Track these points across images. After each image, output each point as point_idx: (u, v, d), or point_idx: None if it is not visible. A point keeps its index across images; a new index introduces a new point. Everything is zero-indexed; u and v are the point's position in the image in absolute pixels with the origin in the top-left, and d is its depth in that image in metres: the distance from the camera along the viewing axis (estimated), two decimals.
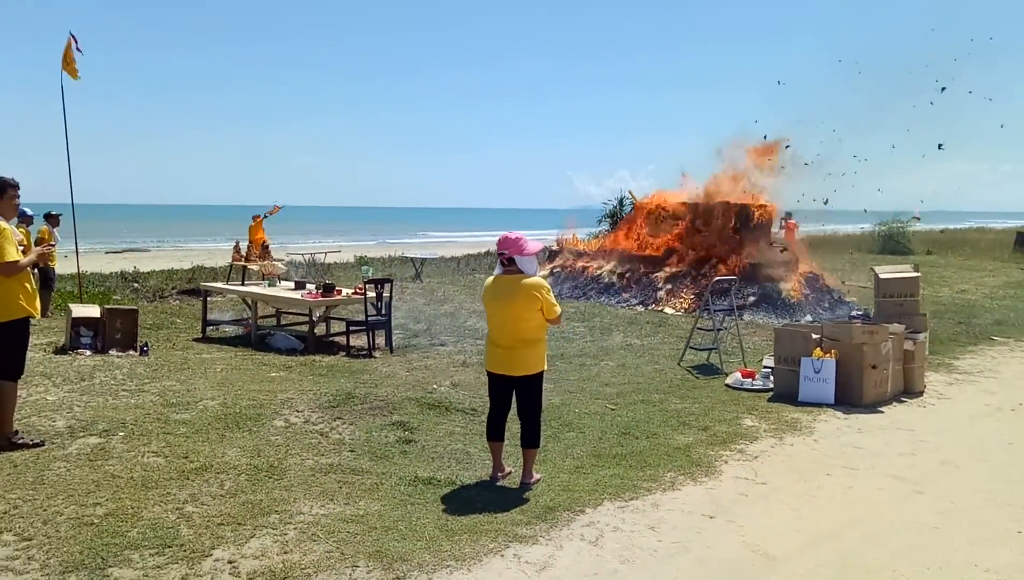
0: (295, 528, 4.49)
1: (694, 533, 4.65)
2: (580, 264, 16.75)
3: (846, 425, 7.14)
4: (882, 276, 8.99)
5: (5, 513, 4.54)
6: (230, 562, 4.06)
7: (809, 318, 12.96)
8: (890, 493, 5.45)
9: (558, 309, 5.38)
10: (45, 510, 4.60)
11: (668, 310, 14.08)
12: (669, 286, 14.91)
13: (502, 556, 4.26)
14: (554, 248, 17.71)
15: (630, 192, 18.76)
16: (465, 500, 5.05)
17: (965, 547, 4.53)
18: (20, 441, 5.68)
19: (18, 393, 6.03)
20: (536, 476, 5.44)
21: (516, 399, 5.42)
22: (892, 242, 29.45)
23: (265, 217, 14.14)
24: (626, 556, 4.32)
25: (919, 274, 9.12)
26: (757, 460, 6.08)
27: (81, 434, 6.04)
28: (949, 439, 6.75)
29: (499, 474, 5.46)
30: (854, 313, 10.02)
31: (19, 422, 5.99)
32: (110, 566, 3.96)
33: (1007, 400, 8.19)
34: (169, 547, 4.19)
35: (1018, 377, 9.31)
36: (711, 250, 14.91)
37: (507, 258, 5.28)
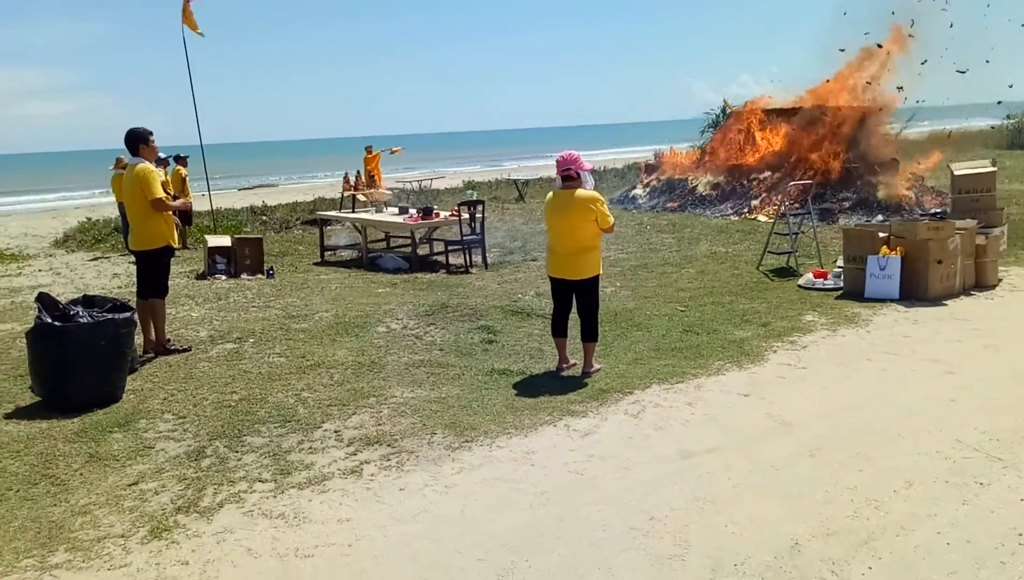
0: (388, 407, 5.49)
1: (725, 407, 5.33)
2: (677, 177, 17.02)
3: (904, 317, 7.49)
4: (957, 173, 9.03)
5: (165, 399, 5.78)
6: (336, 431, 5.10)
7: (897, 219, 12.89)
8: (922, 373, 5.89)
9: (611, 219, 6.06)
10: (194, 397, 5.80)
11: (761, 218, 14.27)
12: (764, 194, 15.05)
13: (555, 426, 5.10)
14: (651, 162, 17.98)
15: (724, 100, 18.56)
16: (532, 386, 5.91)
17: (973, 415, 4.99)
18: (172, 347, 6.96)
19: (167, 311, 7.33)
20: (596, 366, 6.21)
21: (576, 300, 6.17)
22: (1022, 136, 27.61)
23: (389, 153, 15.16)
24: (660, 425, 5.06)
25: (995, 169, 9.08)
26: (805, 350, 6.61)
27: (220, 341, 7.29)
28: (1001, 327, 7.00)
29: (564, 365, 6.27)
30: (934, 211, 10.06)
31: (170, 333, 7.28)
32: (245, 435, 5.08)
33: None
34: (289, 422, 5.27)
35: None
36: (808, 155, 14.85)
37: (573, 173, 5.97)
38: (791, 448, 4.63)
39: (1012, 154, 25.60)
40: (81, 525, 3.98)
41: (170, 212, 6.96)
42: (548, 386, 5.88)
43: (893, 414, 5.10)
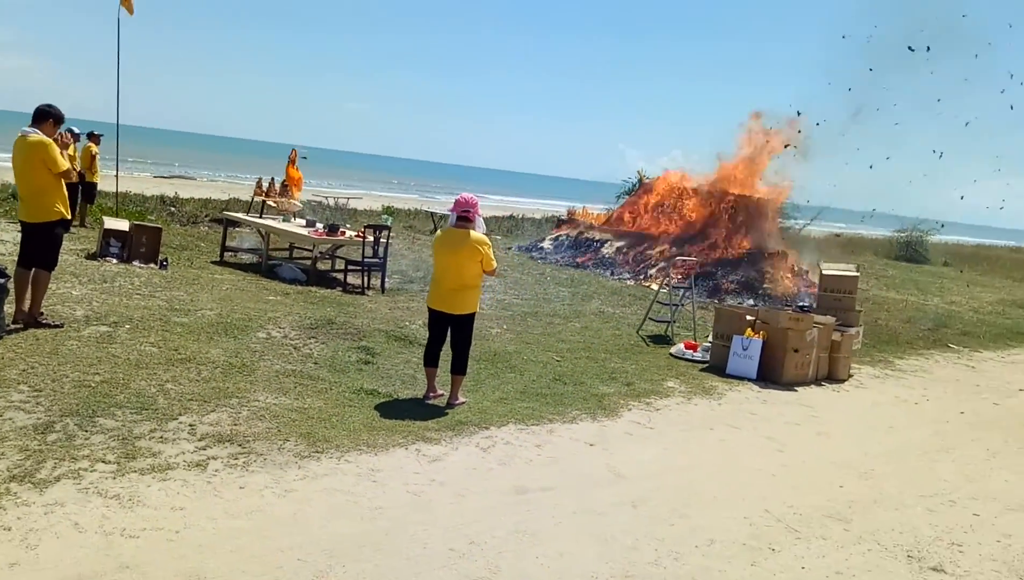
0: (248, 410, 5.62)
1: (569, 453, 5.69)
2: (585, 235, 17.67)
3: (755, 396, 8.08)
4: (825, 272, 9.83)
5: (23, 371, 5.74)
6: (190, 425, 5.20)
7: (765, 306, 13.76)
8: (755, 448, 6.41)
9: (495, 263, 6.43)
10: (54, 373, 5.79)
11: (655, 286, 14.95)
12: (662, 264, 15.79)
13: (406, 449, 5.34)
14: (562, 217, 18.61)
15: (638, 171, 19.46)
16: (395, 409, 6.14)
17: (787, 491, 5.49)
18: (44, 321, 6.89)
19: (49, 287, 7.25)
20: (462, 399, 6.49)
21: (451, 333, 6.47)
22: (910, 249, 29.72)
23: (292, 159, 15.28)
24: (505, 461, 5.37)
25: (858, 274, 9.92)
26: (658, 412, 7.07)
27: (94, 323, 7.25)
28: (837, 418, 7.65)
29: (431, 394, 6.53)
30: (801, 304, 10.85)
31: (46, 307, 7.19)
32: (98, 416, 5.12)
33: (918, 396, 9.02)
34: (145, 410, 5.34)
35: (945, 379, 10.10)
36: (705, 234, 15.71)
37: (471, 216, 6.31)
38: (617, 497, 5.00)
39: (897, 265, 27.46)
40: None
41: (64, 192, 6.95)
42: (411, 411, 6.12)
43: (718, 479, 5.55)
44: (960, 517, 5.41)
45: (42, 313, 6.97)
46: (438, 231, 6.55)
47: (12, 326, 6.70)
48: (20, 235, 7.18)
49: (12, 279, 6.81)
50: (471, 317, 6.45)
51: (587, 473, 5.35)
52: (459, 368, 6.46)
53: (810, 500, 5.37)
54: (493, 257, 6.41)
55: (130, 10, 13.27)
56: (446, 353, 6.53)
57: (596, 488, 5.11)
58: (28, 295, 6.93)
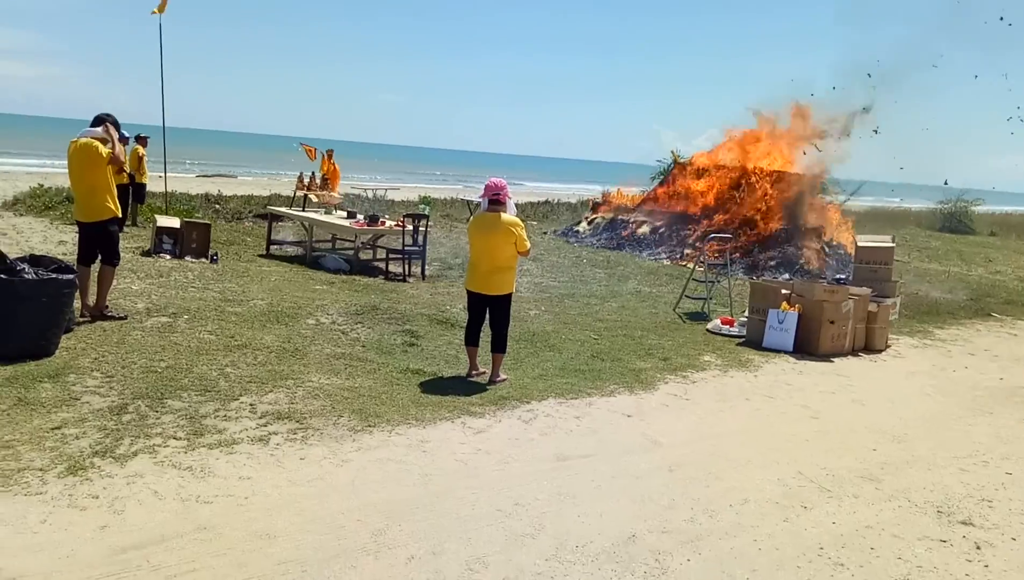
0: (303, 390, 5.97)
1: (607, 424, 5.93)
2: (620, 217, 17.81)
3: (791, 368, 8.22)
4: (860, 244, 9.89)
5: (95, 359, 6.16)
6: (251, 404, 5.56)
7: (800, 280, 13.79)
8: (790, 416, 6.58)
9: (528, 244, 6.68)
10: (123, 360, 6.20)
11: (691, 265, 15.07)
12: (698, 243, 15.88)
13: (452, 422, 5.64)
14: (598, 200, 18.76)
15: (672, 151, 19.50)
16: (440, 386, 6.44)
17: (820, 454, 5.67)
18: (109, 314, 7.33)
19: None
20: (503, 377, 6.77)
21: (489, 314, 6.74)
22: (953, 221, 29.28)
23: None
24: (545, 431, 5.64)
25: (894, 245, 9.95)
26: (694, 384, 7.27)
27: (155, 314, 7.68)
28: (872, 386, 7.77)
29: (474, 372, 6.81)
30: (837, 276, 10.91)
31: (110, 301, 7.62)
32: (166, 398, 5.50)
33: (956, 364, 9.07)
34: (209, 391, 5.71)
35: (984, 348, 10.09)
36: (741, 213, 15.75)
37: (501, 198, 6.57)
38: (654, 463, 5.24)
39: (941, 236, 27.08)
40: (4, 457, 4.38)
41: (113, 191, 7.36)
42: (455, 388, 6.42)
43: (752, 445, 5.75)
44: (992, 476, 5.54)
45: (107, 306, 7.40)
46: (471, 217, 6.81)
47: (80, 320, 7.14)
48: (77, 235, 7.62)
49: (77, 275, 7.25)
50: (508, 298, 6.72)
51: (624, 441, 5.59)
52: (499, 347, 6.73)
53: (843, 463, 5.54)
54: (526, 238, 6.66)
55: (162, 9, 13.75)
56: (486, 332, 6.81)
57: (633, 455, 5.35)
58: (92, 290, 7.37)
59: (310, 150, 15.75)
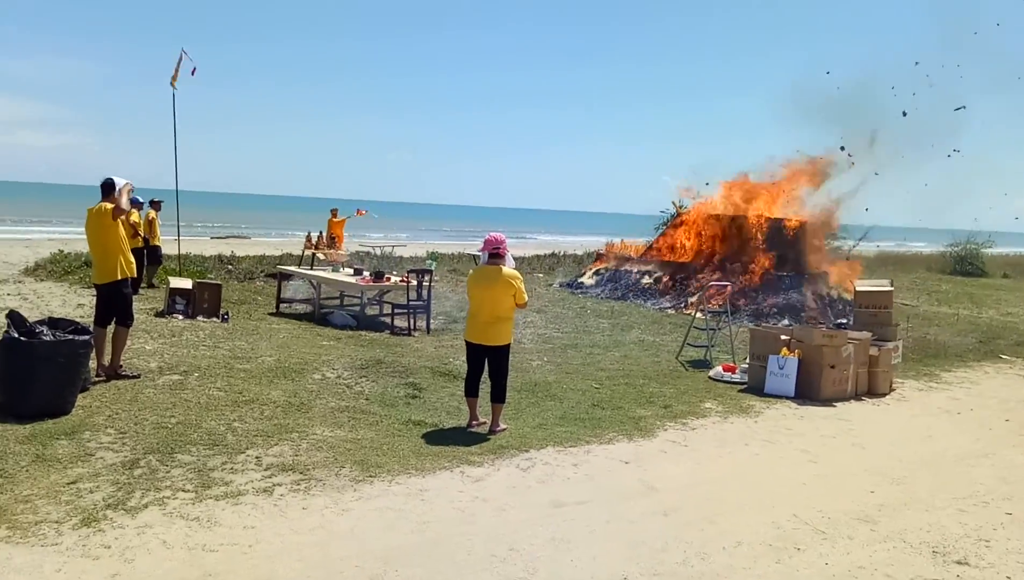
0: (307, 442, 6.14)
1: (605, 471, 6.05)
2: (624, 267, 18.04)
3: (792, 413, 8.31)
4: (859, 289, 10.03)
5: (109, 416, 6.37)
6: (256, 457, 5.73)
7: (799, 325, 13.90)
8: (789, 460, 6.67)
9: (526, 297, 6.90)
10: (136, 417, 6.41)
11: (701, 314, 15.21)
12: (701, 292, 16.06)
13: (451, 471, 5.78)
14: (600, 251, 19.02)
15: (673, 202, 19.81)
16: (441, 437, 6.59)
17: (817, 497, 5.74)
18: (123, 373, 7.56)
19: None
20: (502, 426, 6.91)
21: (488, 364, 6.92)
22: (965, 263, 29.32)
23: (356, 215, 16.14)
24: (543, 479, 5.76)
25: (892, 289, 10.08)
26: (694, 431, 7.38)
27: (167, 372, 7.91)
28: (873, 429, 7.84)
29: (474, 423, 6.96)
30: (839, 321, 11.03)
31: (124, 361, 7.86)
32: (176, 453, 5.69)
33: (962, 406, 9.11)
34: (217, 445, 5.90)
35: (992, 391, 10.11)
36: (742, 260, 15.95)
37: (501, 252, 6.83)
38: (649, 507, 5.34)
39: (952, 279, 27.11)
40: (22, 511, 4.57)
41: (128, 253, 7.66)
42: (455, 439, 6.57)
43: (748, 490, 5.85)
44: (991, 516, 5.59)
45: (121, 366, 7.64)
46: (473, 268, 7.05)
47: (95, 379, 7.37)
48: (95, 298, 7.90)
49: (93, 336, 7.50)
50: (507, 348, 6.91)
51: (621, 487, 5.71)
52: (498, 397, 6.89)
53: (840, 505, 5.62)
54: (524, 290, 6.88)
55: (172, 83, 14.33)
56: (486, 383, 6.97)
57: (629, 500, 5.46)
58: (107, 350, 7.62)
59: (360, 213, 16.41)
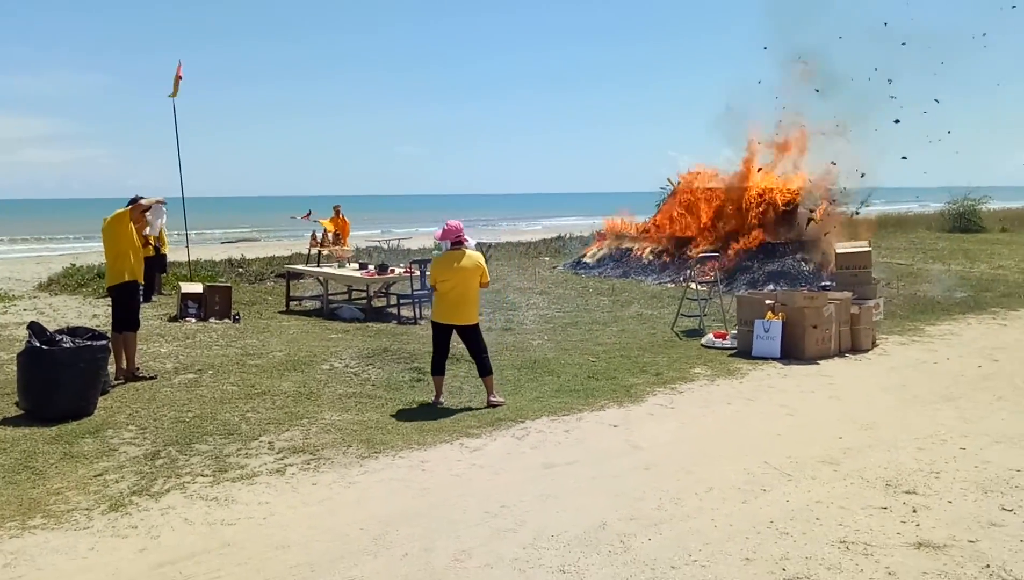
0: (316, 426, 6.61)
1: (594, 435, 6.48)
2: (625, 245, 18.42)
3: (777, 373, 8.71)
4: (839, 251, 10.39)
5: (129, 415, 6.87)
6: (269, 442, 6.21)
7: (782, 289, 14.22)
8: (767, 415, 7.08)
9: (488, 277, 7.46)
10: (155, 414, 6.90)
11: (693, 286, 15.59)
12: (699, 265, 16.42)
13: (451, 444, 6.23)
14: (602, 231, 19.39)
15: (668, 179, 20.12)
16: (442, 415, 7.05)
17: (789, 446, 6.15)
18: (140, 375, 8.06)
19: (139, 346, 8.45)
20: (499, 399, 7.36)
21: (466, 343, 7.44)
22: (963, 220, 29.44)
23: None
24: (536, 445, 6.21)
25: (870, 249, 10.44)
26: (681, 394, 7.80)
27: (183, 372, 8.41)
28: (852, 383, 8.22)
29: (441, 399, 7.40)
30: (823, 283, 11.39)
31: (140, 363, 8.37)
32: (193, 443, 6.18)
33: (939, 357, 9.46)
34: (232, 434, 6.38)
35: (971, 340, 10.44)
36: (736, 230, 16.29)
37: (463, 239, 7.31)
38: (632, 463, 5.78)
39: (950, 237, 27.23)
40: (55, 501, 5.06)
41: (138, 254, 8.13)
42: (456, 415, 7.03)
43: (726, 442, 6.27)
44: (946, 452, 5.98)
45: (137, 368, 8.14)
46: (435, 254, 7.59)
47: (115, 382, 7.87)
48: (111, 305, 8.39)
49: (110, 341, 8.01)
50: (477, 326, 7.42)
51: (607, 448, 6.14)
52: (485, 370, 7.37)
53: (809, 451, 6.03)
54: (487, 271, 7.46)
55: (173, 94, 14.81)
56: (467, 363, 7.44)
57: (614, 459, 5.90)
58: (124, 355, 8.11)
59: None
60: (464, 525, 4.69)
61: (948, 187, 31.12)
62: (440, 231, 7.48)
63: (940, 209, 32.36)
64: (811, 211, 16.77)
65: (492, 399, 7.31)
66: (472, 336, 7.36)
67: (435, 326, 7.48)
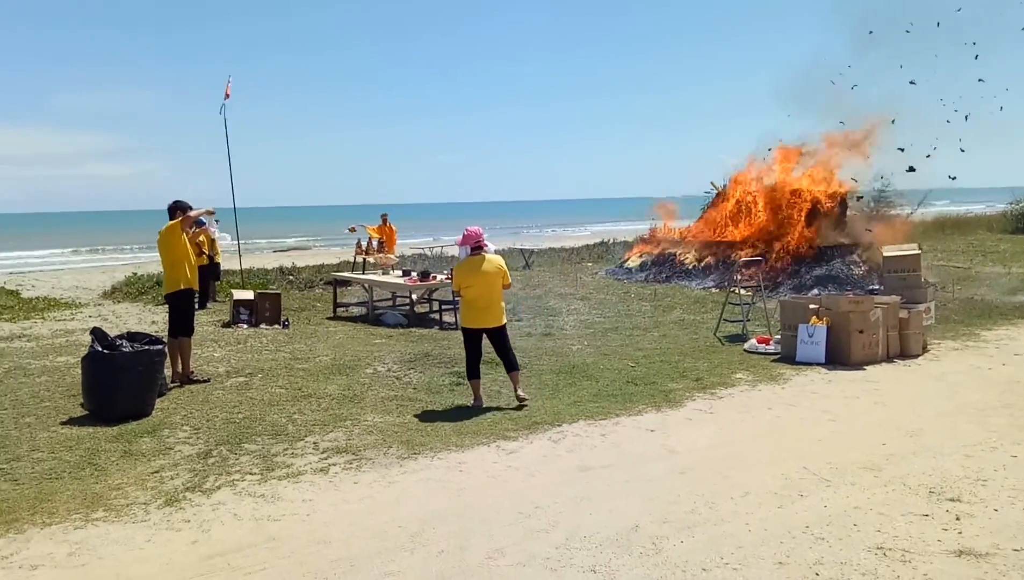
0: (359, 428, 6.80)
1: (630, 439, 6.54)
2: (668, 250, 18.36)
3: (821, 378, 8.63)
4: (886, 254, 10.25)
5: (184, 416, 7.16)
6: (314, 443, 6.42)
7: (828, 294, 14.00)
8: (808, 420, 7.04)
9: (509, 278, 7.69)
10: (207, 415, 7.18)
11: (737, 290, 15.47)
12: (743, 269, 16.28)
13: (488, 446, 6.36)
14: (645, 236, 19.37)
15: (712, 182, 19.96)
16: (481, 417, 7.18)
17: (829, 451, 6.12)
18: (195, 378, 8.37)
19: (194, 350, 8.77)
20: (524, 394, 7.54)
21: (493, 344, 7.59)
22: None
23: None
24: (572, 448, 6.29)
25: (919, 252, 10.27)
26: (720, 399, 7.79)
27: (234, 375, 8.70)
28: (898, 389, 8.11)
29: (480, 402, 7.55)
30: (871, 287, 11.23)
31: (195, 367, 8.68)
32: (243, 443, 6.41)
33: (994, 363, 9.25)
34: (279, 435, 6.61)
35: None
36: (783, 234, 16.13)
37: (483, 244, 7.53)
38: (668, 467, 5.82)
39: (1013, 238, 26.46)
40: (115, 496, 5.32)
41: (192, 263, 8.45)
42: (493, 418, 7.15)
43: (764, 448, 6.27)
44: (996, 459, 5.88)
45: (192, 371, 8.46)
46: (457, 262, 7.82)
47: (171, 385, 8.19)
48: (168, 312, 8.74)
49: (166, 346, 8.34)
50: (504, 327, 7.65)
51: (644, 452, 6.19)
52: (513, 366, 7.59)
53: (849, 457, 5.99)
54: (508, 272, 7.71)
55: (227, 95, 15.24)
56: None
57: (650, 463, 5.95)
58: (179, 359, 8.44)
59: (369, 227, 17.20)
60: (498, 524, 4.80)
61: (1012, 187, 30.26)
62: (460, 237, 7.67)
63: (1003, 210, 31.42)
64: (869, 215, 16.53)
65: (519, 394, 7.49)
66: (500, 336, 7.56)
67: (466, 332, 7.64)
